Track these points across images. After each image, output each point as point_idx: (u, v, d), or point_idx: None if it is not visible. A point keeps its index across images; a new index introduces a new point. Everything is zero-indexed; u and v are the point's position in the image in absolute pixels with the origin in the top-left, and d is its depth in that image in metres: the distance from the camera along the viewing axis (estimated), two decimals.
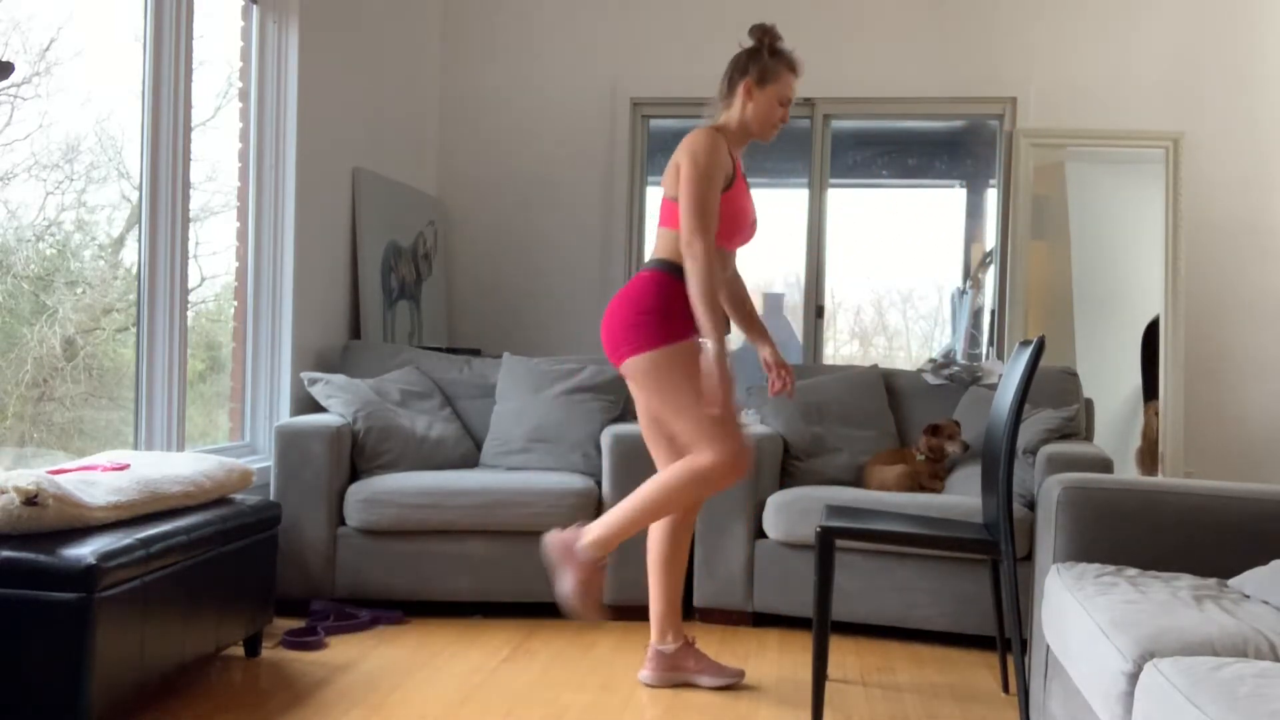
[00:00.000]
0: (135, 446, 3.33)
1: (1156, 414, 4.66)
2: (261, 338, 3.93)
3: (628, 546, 3.65)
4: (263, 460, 3.82)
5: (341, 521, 3.63)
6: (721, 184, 2.83)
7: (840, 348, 6.03)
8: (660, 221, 2.94)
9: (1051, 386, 3.92)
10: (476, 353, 4.75)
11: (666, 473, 2.82)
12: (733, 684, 3.00)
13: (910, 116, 5.17)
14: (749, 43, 2.99)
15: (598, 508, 3.68)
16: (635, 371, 2.83)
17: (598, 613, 2.86)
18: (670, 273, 2.85)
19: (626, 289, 2.89)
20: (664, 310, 2.80)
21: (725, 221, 2.88)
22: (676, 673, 3.02)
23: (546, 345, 5.19)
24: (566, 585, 2.82)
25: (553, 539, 2.87)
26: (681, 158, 2.84)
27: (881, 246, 5.79)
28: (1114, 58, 4.89)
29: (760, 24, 2.98)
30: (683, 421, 2.79)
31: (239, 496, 3.06)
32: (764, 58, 2.94)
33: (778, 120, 2.97)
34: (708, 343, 2.74)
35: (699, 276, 2.74)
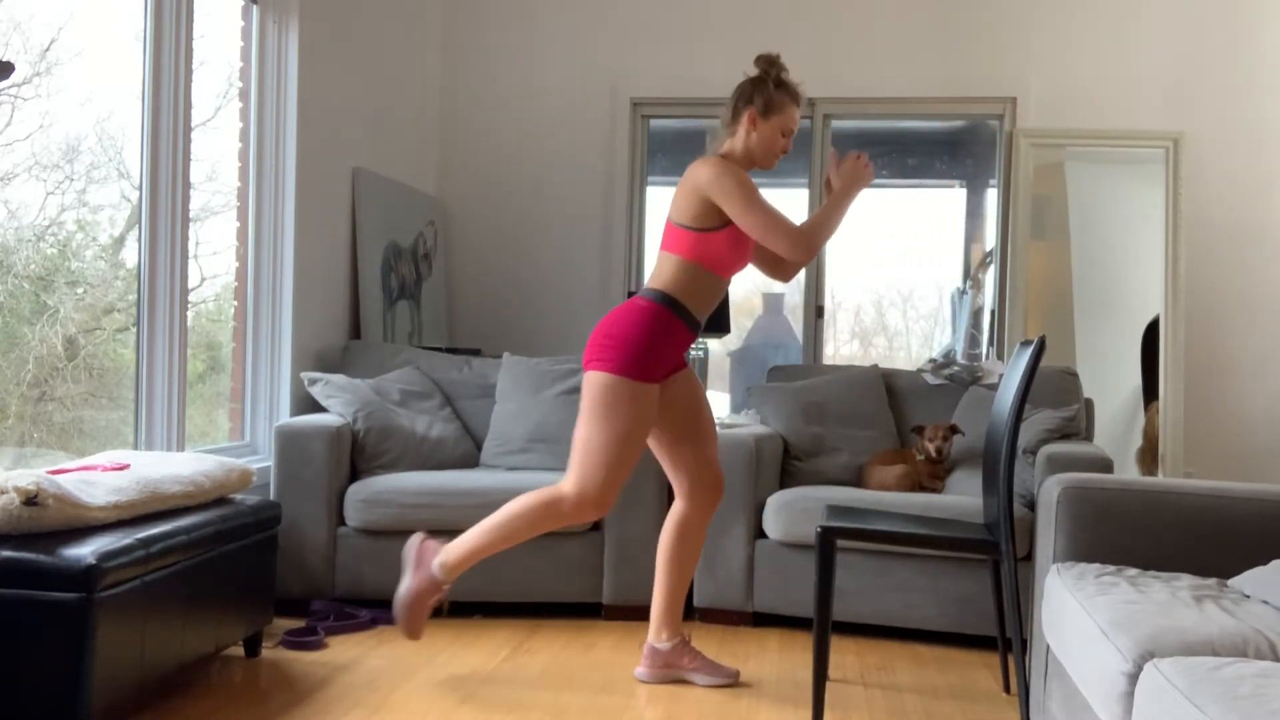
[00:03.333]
0: (135, 446, 3.33)
1: (1158, 414, 4.66)
2: (261, 338, 3.93)
3: (629, 549, 3.65)
4: (263, 460, 3.82)
5: (341, 521, 3.63)
6: (752, 196, 2.82)
7: (840, 348, 6.04)
8: (663, 245, 2.92)
9: (1051, 386, 3.92)
10: (476, 353, 4.75)
11: (524, 499, 2.87)
12: (728, 684, 3.01)
13: (910, 116, 5.17)
14: (755, 71, 2.97)
15: None
16: (588, 384, 2.84)
17: (416, 628, 2.96)
18: (662, 304, 2.85)
19: (619, 309, 2.89)
20: (642, 344, 2.81)
21: (730, 252, 2.88)
22: (671, 670, 3.04)
23: (546, 345, 5.19)
24: (405, 587, 2.95)
25: (418, 541, 2.99)
26: (706, 188, 2.81)
27: (881, 246, 5.80)
28: (1114, 58, 4.89)
29: (766, 54, 2.96)
30: (588, 445, 2.81)
31: (239, 496, 3.06)
32: (769, 88, 2.92)
33: (779, 150, 2.97)
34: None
35: (815, 245, 2.83)
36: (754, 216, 2.80)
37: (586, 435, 2.81)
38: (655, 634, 3.06)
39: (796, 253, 2.81)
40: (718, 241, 2.86)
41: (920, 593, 3.48)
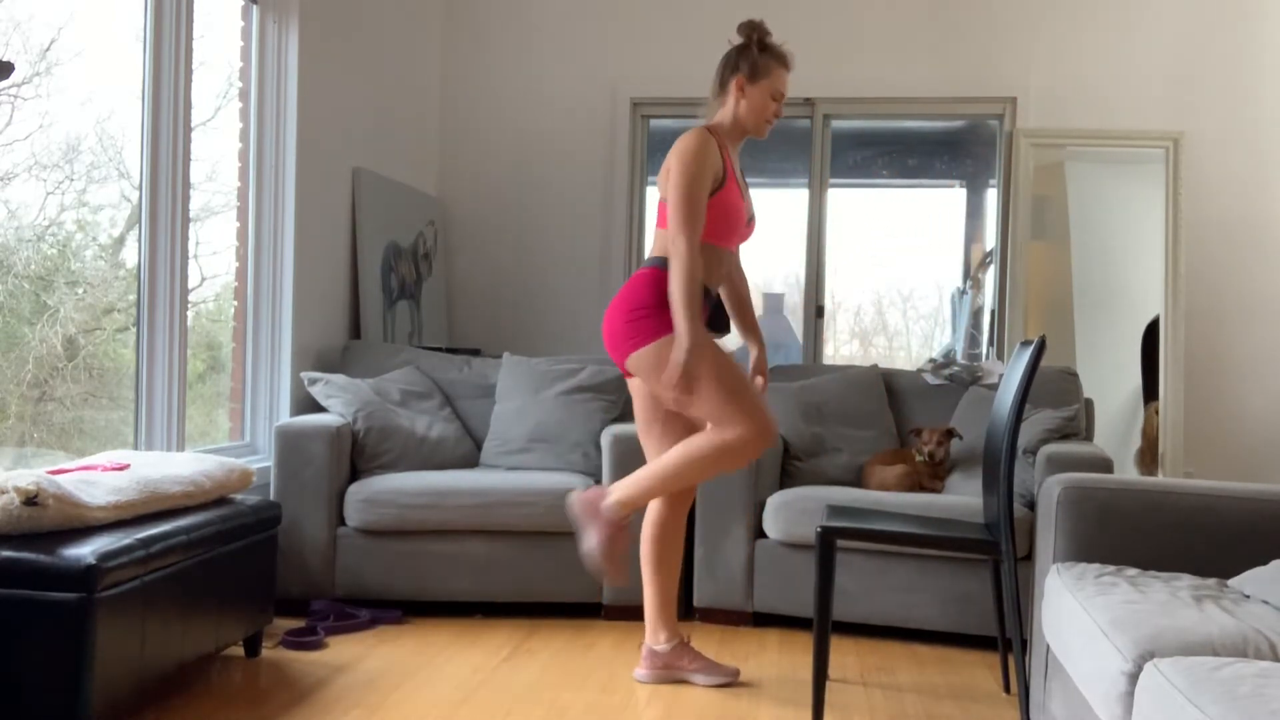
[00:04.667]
0: (135, 446, 3.33)
1: (1157, 414, 4.66)
2: (261, 338, 3.93)
3: (629, 549, 3.65)
4: (263, 460, 3.82)
5: (341, 521, 3.63)
6: (710, 184, 2.85)
7: (840, 348, 6.04)
8: (657, 223, 2.97)
9: (1051, 386, 3.92)
10: (476, 353, 4.75)
11: (696, 441, 2.83)
12: (728, 682, 3.01)
13: (910, 116, 5.17)
14: (739, 39, 2.99)
15: None
16: (641, 365, 2.86)
17: (620, 571, 2.91)
18: (666, 269, 2.87)
19: (624, 288, 2.93)
20: (661, 303, 2.84)
21: (720, 220, 2.90)
22: (670, 670, 3.03)
23: (546, 345, 5.19)
24: (591, 542, 2.90)
25: (578, 497, 2.94)
26: (670, 160, 2.87)
27: (881, 246, 5.80)
28: (1114, 58, 4.89)
29: (749, 20, 2.99)
30: (701, 404, 2.81)
31: (239, 496, 3.06)
32: (754, 53, 2.94)
33: (771, 115, 2.98)
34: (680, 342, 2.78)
35: (679, 272, 2.78)
36: (674, 195, 2.80)
37: (701, 401, 2.78)
38: (653, 636, 3.06)
39: (672, 240, 2.79)
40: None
41: (920, 593, 3.48)
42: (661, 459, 2.89)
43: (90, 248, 3.35)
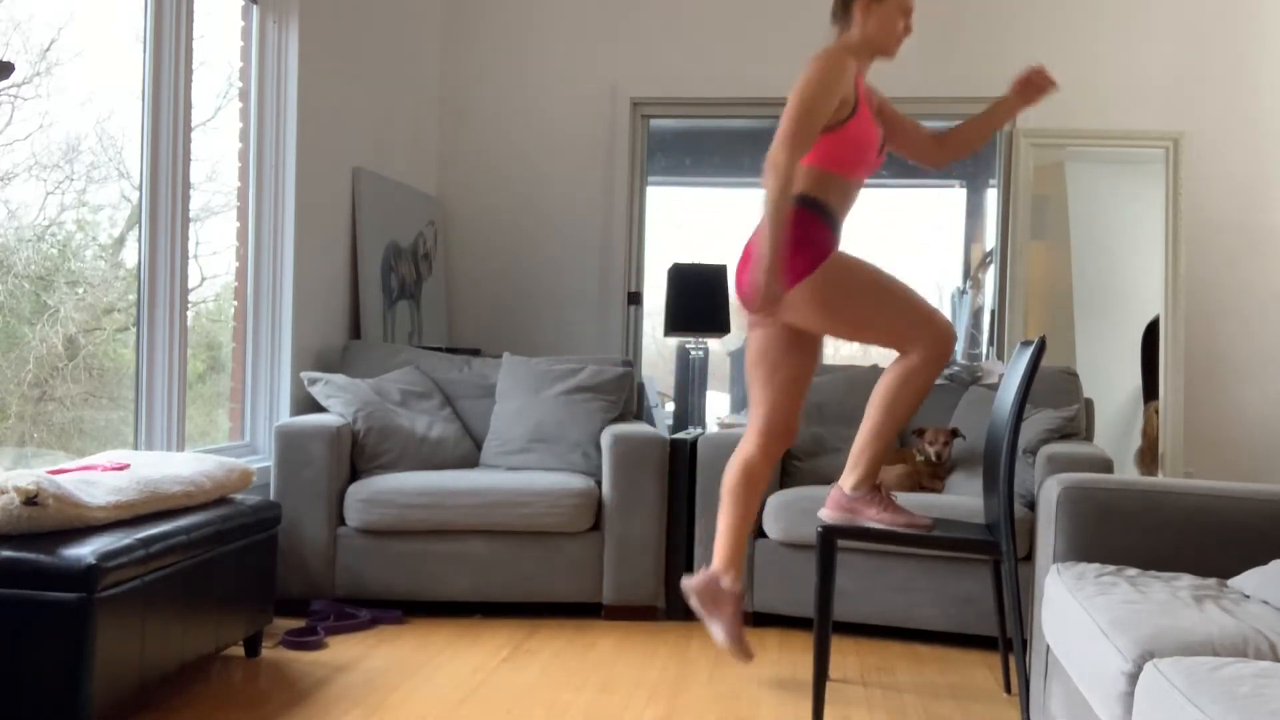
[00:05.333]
0: (135, 446, 3.33)
1: (1156, 414, 4.66)
2: (261, 338, 3.93)
3: (630, 549, 3.65)
4: (263, 460, 3.82)
5: (341, 521, 3.63)
6: (833, 106, 2.67)
7: (840, 348, 6.04)
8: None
9: (1051, 386, 3.92)
10: (476, 353, 4.75)
11: (882, 390, 2.70)
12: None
13: (910, 116, 5.16)
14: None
15: (598, 507, 3.68)
16: (797, 303, 2.68)
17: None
18: (800, 205, 2.70)
19: (758, 233, 2.72)
20: (800, 239, 2.68)
21: (850, 148, 2.74)
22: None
23: (546, 345, 5.19)
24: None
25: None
26: (805, 71, 2.67)
27: (881, 246, 5.80)
28: (1114, 58, 4.89)
29: None
30: (872, 330, 2.70)
31: (239, 496, 3.06)
32: None
33: (902, 33, 2.81)
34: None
35: (773, 190, 2.60)
36: (792, 106, 2.62)
37: (871, 324, 2.67)
38: (718, 564, 2.87)
39: (772, 155, 2.62)
40: (829, 143, 2.71)
41: (920, 593, 3.48)
42: (868, 425, 2.70)
43: (90, 248, 3.35)
